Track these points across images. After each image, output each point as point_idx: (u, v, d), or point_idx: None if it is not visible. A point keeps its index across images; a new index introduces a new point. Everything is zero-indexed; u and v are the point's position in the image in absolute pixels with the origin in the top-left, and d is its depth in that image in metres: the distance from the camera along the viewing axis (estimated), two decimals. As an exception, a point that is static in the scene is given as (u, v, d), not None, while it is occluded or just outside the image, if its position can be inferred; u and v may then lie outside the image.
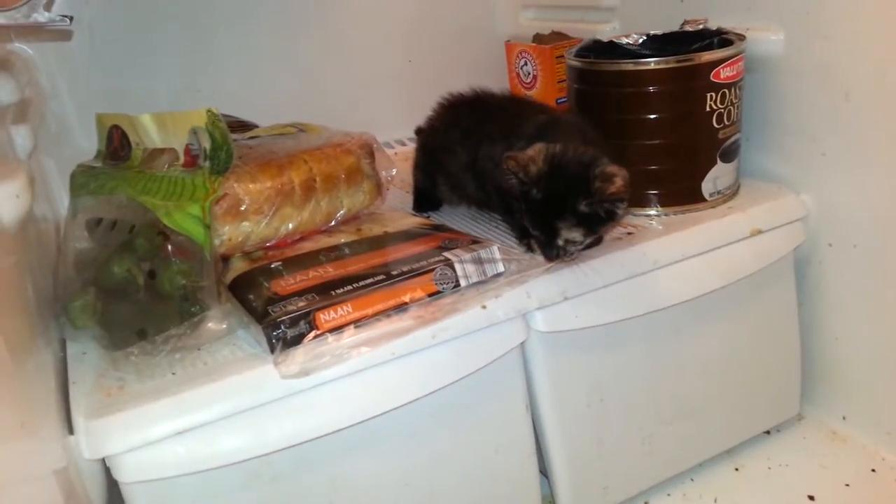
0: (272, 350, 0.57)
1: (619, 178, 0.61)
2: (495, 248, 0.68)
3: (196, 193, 0.60)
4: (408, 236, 0.74)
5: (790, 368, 0.84)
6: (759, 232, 0.76)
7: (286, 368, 0.54)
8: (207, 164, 0.64)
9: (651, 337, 0.74)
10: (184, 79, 1.04)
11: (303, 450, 0.59)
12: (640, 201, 0.78)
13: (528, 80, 1.11)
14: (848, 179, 0.76)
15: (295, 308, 0.59)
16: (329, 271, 0.66)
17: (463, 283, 0.66)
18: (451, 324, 0.62)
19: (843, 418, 0.84)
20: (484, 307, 0.64)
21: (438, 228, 0.75)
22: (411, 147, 1.04)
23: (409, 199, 0.90)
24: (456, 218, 0.83)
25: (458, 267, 0.66)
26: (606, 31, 1.04)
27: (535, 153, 0.64)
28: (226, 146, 0.63)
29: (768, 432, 0.85)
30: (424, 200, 0.87)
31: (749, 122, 0.82)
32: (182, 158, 0.67)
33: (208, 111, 0.63)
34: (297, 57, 1.13)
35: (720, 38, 0.79)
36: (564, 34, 1.10)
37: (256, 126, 0.88)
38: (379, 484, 0.65)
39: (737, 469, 0.81)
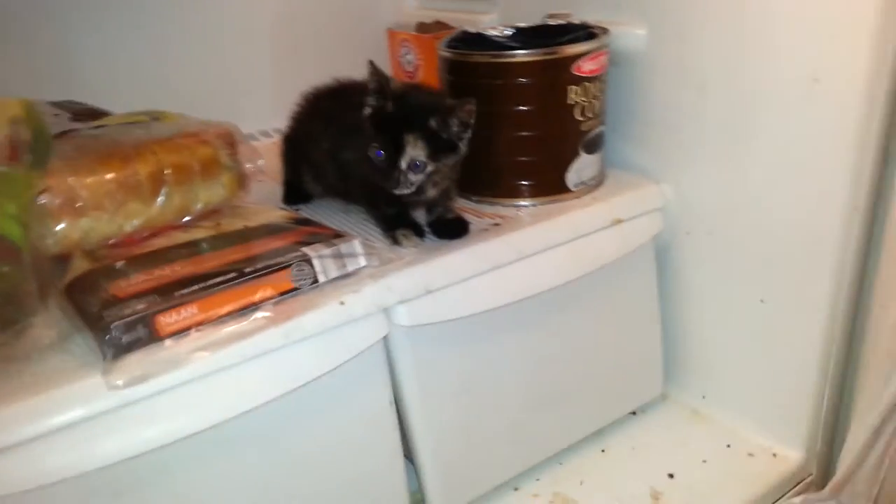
0: (104, 357, 0.53)
1: (470, 106, 0.66)
2: (356, 242, 0.66)
3: (14, 189, 0.54)
4: (269, 231, 0.71)
5: (653, 351, 0.87)
6: (620, 221, 0.78)
7: (113, 378, 0.51)
8: (29, 157, 0.58)
9: (517, 326, 0.75)
10: (36, 64, 0.96)
11: (146, 461, 0.55)
12: (509, 192, 0.79)
13: (411, 70, 1.09)
14: (703, 169, 0.80)
15: (131, 311, 0.55)
16: (177, 270, 0.62)
17: (321, 278, 0.64)
18: (305, 321, 0.60)
19: (703, 397, 0.88)
20: (342, 303, 0.62)
21: (302, 223, 0.73)
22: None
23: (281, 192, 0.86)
24: (328, 212, 0.81)
25: (315, 262, 0.64)
26: (485, 22, 1.03)
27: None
28: (44, 138, 0.58)
29: (634, 413, 0.89)
30: (293, 193, 0.84)
31: (615, 114, 0.84)
32: (5, 151, 0.61)
33: (24, 100, 0.58)
34: (164, 40, 1.06)
35: (586, 32, 0.80)
36: (447, 24, 1.09)
37: (108, 114, 0.82)
38: (235, 490, 0.62)
39: (603, 450, 0.84)
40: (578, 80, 0.75)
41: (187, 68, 1.08)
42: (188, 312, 0.57)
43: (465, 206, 0.79)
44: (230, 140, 0.76)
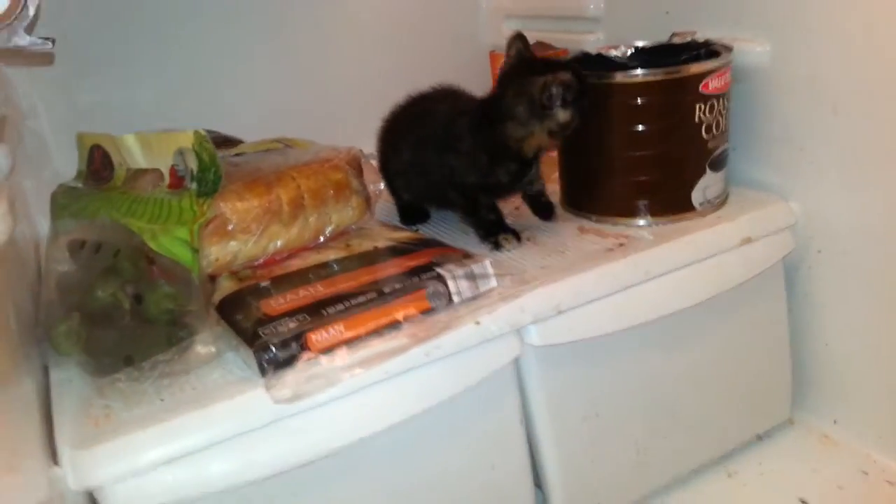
0: (263, 373, 0.56)
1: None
2: (487, 262, 0.67)
3: (183, 216, 0.58)
4: (397, 251, 0.73)
5: (781, 374, 0.85)
6: (749, 240, 0.76)
7: (278, 392, 0.53)
8: (194, 185, 0.62)
9: (644, 348, 0.74)
10: (165, 92, 1.02)
11: (296, 474, 0.58)
12: (630, 211, 0.78)
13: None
14: (836, 188, 0.77)
15: (286, 329, 0.58)
16: (319, 290, 0.65)
17: (456, 299, 0.65)
18: (444, 341, 0.61)
19: (834, 422, 0.84)
20: (478, 323, 0.63)
21: (428, 244, 0.74)
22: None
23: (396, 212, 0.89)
24: (447, 230, 0.82)
25: (450, 283, 0.65)
26: (591, 42, 1.03)
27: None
28: (214, 167, 0.62)
29: (760, 437, 0.86)
30: (410, 213, 0.86)
31: (737, 131, 0.82)
32: (167, 180, 0.66)
33: (195, 132, 0.62)
34: (282, 67, 1.11)
35: (707, 50, 0.79)
36: (549, 44, 1.10)
37: (241, 142, 0.87)
38: (374, 504, 0.64)
39: (729, 475, 0.81)
40: (705, 99, 0.74)
41: (297, 92, 1.12)
42: (336, 330, 0.59)
43: (586, 226, 0.79)
44: (357, 164, 0.79)
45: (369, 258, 0.72)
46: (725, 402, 0.81)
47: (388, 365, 0.58)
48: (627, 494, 0.77)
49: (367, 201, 0.79)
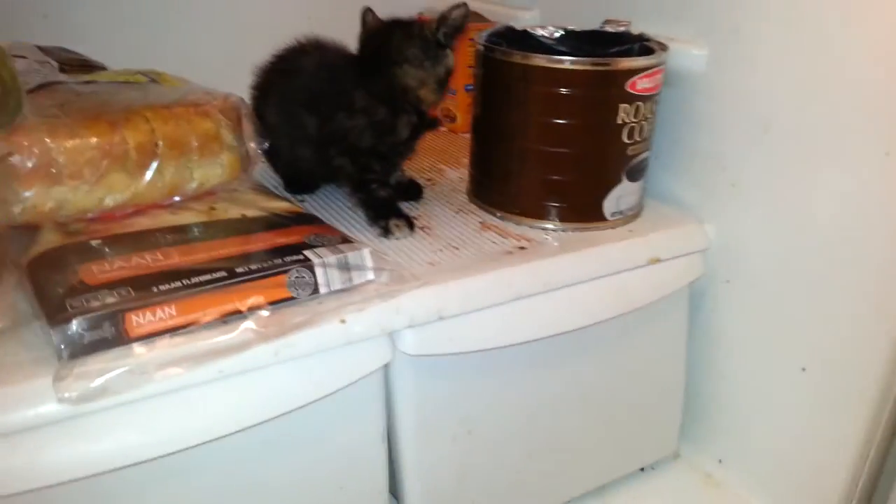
0: (59, 357, 0.44)
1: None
2: (366, 252, 0.58)
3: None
4: (268, 224, 0.62)
5: (672, 404, 0.80)
6: (657, 261, 0.70)
7: (65, 388, 0.42)
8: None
9: (529, 365, 0.67)
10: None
11: (96, 484, 0.47)
12: (537, 212, 0.71)
13: (436, 62, 1.01)
14: (755, 214, 0.72)
15: (99, 305, 0.47)
16: (159, 260, 0.54)
17: (323, 290, 0.55)
18: (300, 339, 0.52)
19: (720, 461, 0.80)
20: (343, 321, 0.54)
21: (305, 220, 0.64)
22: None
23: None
24: (337, 206, 0.72)
25: (318, 271, 0.55)
26: (525, 19, 0.95)
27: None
28: (15, 91, 0.49)
29: (643, 469, 0.81)
30: (294, 180, 0.76)
31: (661, 139, 0.76)
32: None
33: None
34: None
35: (641, 45, 0.72)
36: (481, 16, 1.01)
37: (103, 68, 0.73)
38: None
39: (605, 508, 0.76)
40: (631, 99, 0.67)
41: (199, 25, 0.99)
42: (165, 314, 0.48)
43: (489, 222, 0.71)
44: (236, 115, 0.67)
45: (233, 228, 0.61)
46: (612, 430, 0.76)
47: (220, 364, 0.48)
48: (495, 520, 0.71)
49: (244, 160, 0.68)
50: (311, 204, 0.74)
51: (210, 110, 0.64)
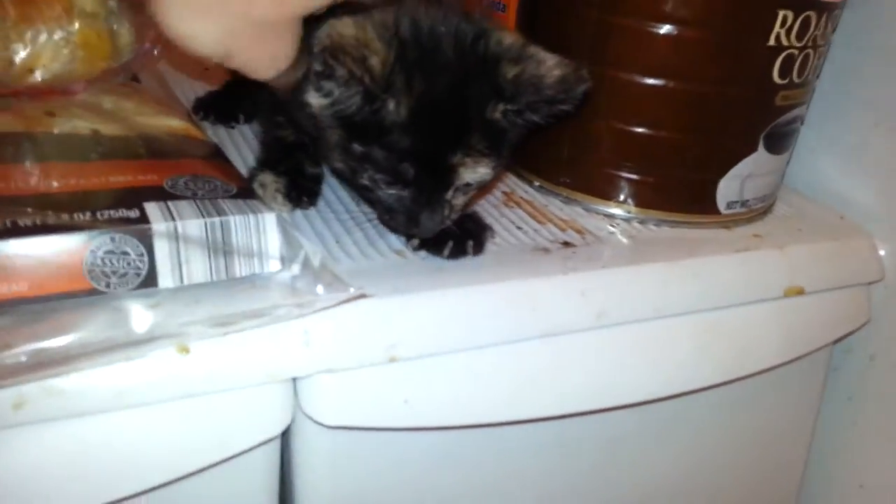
0: None
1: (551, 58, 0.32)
2: (270, 218, 0.31)
3: None
4: (126, 150, 0.36)
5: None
6: (801, 292, 0.40)
7: None
8: None
9: (556, 454, 0.39)
10: None
11: None
12: (603, 186, 0.42)
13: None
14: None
15: None
16: None
17: (164, 281, 0.29)
18: (75, 384, 0.25)
19: None
20: (185, 350, 0.27)
21: (198, 152, 0.37)
22: None
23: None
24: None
25: (159, 244, 0.28)
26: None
27: (361, 31, 0.30)
28: None
29: None
30: (215, 102, 0.49)
31: (825, 92, 0.46)
32: None
33: None
34: None
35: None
36: None
37: None
38: None
39: None
40: (801, 4, 0.37)
41: None
42: None
43: (518, 195, 0.43)
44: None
45: (58, 150, 0.35)
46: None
47: None
48: None
49: (119, 41, 0.41)
50: (232, 137, 0.47)
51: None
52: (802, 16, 0.38)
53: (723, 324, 0.38)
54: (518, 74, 0.31)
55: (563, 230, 0.40)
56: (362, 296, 0.29)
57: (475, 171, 0.32)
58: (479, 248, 0.34)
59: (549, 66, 0.31)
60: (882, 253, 0.45)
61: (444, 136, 0.31)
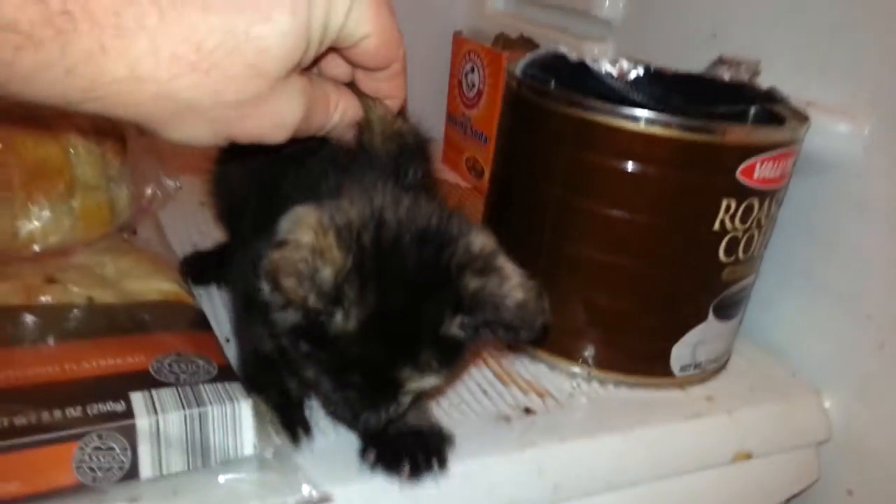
0: None
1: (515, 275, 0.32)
2: (247, 406, 0.33)
3: None
4: (114, 323, 0.39)
5: None
6: (748, 457, 0.43)
7: None
8: None
9: None
10: None
11: None
12: (566, 347, 0.45)
13: (471, 95, 0.76)
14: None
15: None
16: None
17: (145, 472, 0.31)
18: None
19: None
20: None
21: (183, 321, 0.40)
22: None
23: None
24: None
25: (141, 437, 0.31)
26: (596, 54, 0.69)
27: (320, 236, 0.30)
28: None
29: None
30: (202, 260, 0.50)
31: (772, 257, 0.49)
32: None
33: None
34: None
35: (761, 107, 0.46)
36: (536, 44, 0.76)
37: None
38: None
39: None
40: (742, 192, 0.41)
41: None
42: None
43: (488, 352, 0.45)
44: (118, 140, 0.44)
45: (55, 323, 0.38)
46: None
47: None
48: None
49: (118, 207, 0.44)
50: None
51: (61, 126, 0.41)
52: (745, 203, 0.42)
53: (673, 491, 0.41)
54: (480, 288, 0.31)
55: (526, 393, 0.42)
56: (324, 499, 0.31)
57: (422, 383, 0.32)
58: (442, 464, 0.34)
59: (512, 284, 0.31)
60: (828, 407, 0.47)
61: (394, 351, 0.31)
